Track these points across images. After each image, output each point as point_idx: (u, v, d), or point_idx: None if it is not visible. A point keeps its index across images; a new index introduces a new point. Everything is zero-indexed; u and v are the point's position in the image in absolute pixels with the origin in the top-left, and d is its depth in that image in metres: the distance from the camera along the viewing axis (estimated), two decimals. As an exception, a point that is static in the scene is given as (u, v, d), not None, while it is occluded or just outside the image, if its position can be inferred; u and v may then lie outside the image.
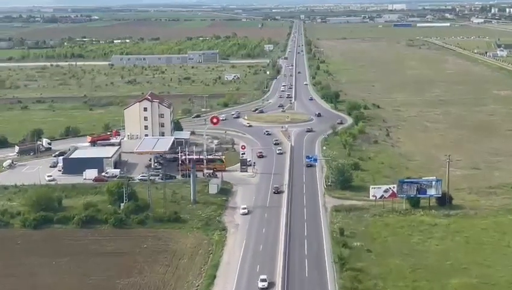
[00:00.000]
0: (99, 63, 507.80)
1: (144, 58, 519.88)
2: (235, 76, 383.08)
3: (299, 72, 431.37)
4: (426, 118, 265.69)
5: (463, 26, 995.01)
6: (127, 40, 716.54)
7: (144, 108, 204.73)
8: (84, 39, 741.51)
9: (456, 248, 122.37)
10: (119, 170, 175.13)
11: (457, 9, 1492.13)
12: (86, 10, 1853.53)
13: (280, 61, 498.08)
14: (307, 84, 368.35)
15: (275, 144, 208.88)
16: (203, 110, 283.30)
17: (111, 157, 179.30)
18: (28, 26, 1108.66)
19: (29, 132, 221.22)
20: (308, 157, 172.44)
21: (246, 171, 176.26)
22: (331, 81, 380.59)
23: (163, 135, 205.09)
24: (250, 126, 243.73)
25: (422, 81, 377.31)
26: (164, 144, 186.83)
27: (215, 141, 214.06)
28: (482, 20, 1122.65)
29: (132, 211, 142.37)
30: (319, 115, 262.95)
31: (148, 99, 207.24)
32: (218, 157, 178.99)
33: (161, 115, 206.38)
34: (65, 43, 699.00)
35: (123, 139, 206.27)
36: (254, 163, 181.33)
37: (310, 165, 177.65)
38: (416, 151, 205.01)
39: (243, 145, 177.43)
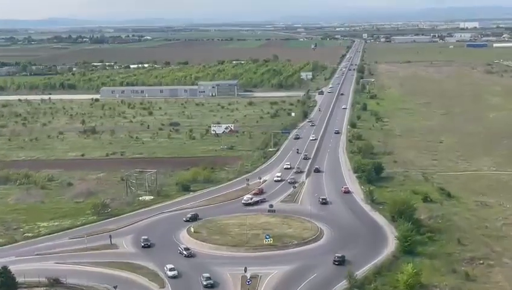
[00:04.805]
0: (87, 96, 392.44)
1: (142, 91, 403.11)
2: (226, 128, 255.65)
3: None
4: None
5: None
6: (146, 65, 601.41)
7: None
8: (98, 64, 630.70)
9: None
10: None
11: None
12: (147, 30, 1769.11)
13: (316, 97, 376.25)
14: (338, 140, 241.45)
15: None
16: (140, 198, 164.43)
17: None
18: (67, 48, 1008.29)
19: None
20: None
21: None
22: (378, 132, 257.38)
23: None
24: (189, 255, 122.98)
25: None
26: None
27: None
28: None
29: None
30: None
31: None
32: None
33: None
34: (73, 69, 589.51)
35: None
36: None
37: None
38: None
39: None
